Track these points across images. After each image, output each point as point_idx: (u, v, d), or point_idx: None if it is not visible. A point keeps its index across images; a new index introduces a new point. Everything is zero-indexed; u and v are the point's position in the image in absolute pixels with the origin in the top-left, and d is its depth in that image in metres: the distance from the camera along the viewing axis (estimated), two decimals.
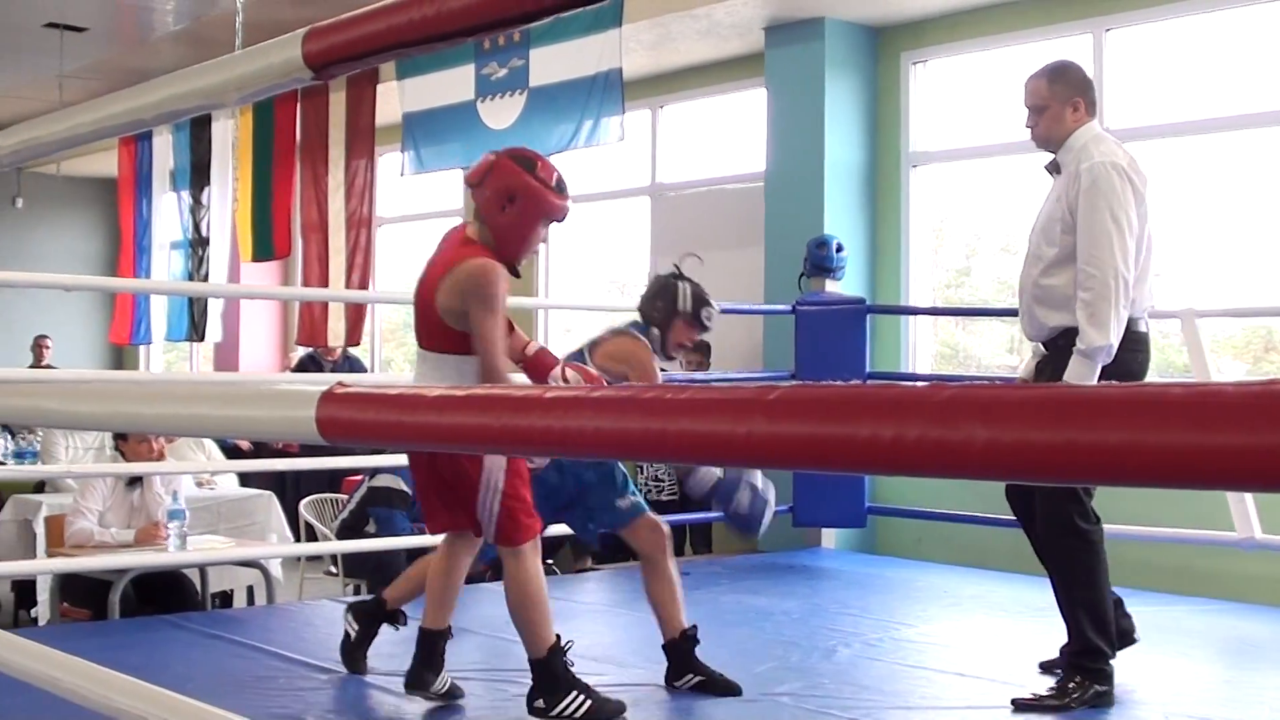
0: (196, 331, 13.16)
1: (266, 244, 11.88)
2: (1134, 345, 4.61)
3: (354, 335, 11.06)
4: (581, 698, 4.28)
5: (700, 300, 5.04)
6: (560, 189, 4.31)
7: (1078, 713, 4.49)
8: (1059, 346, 4.65)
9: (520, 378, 4.68)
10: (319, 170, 11.31)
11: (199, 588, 6.83)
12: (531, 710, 4.30)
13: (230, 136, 12.32)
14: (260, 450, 10.17)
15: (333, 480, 8.97)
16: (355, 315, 11.03)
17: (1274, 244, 7.79)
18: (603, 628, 6.08)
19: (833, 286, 8.60)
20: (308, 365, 11.36)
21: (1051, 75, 4.78)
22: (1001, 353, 9.21)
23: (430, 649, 4.44)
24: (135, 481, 6.56)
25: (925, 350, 9.17)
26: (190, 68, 2.35)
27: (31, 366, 13.38)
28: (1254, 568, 6.99)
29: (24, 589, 7.87)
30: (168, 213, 13.52)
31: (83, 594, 6.38)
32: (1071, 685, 4.55)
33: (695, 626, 4.77)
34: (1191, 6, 7.83)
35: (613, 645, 5.61)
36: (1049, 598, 4.85)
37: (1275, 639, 6.02)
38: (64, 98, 12.07)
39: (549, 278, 11.75)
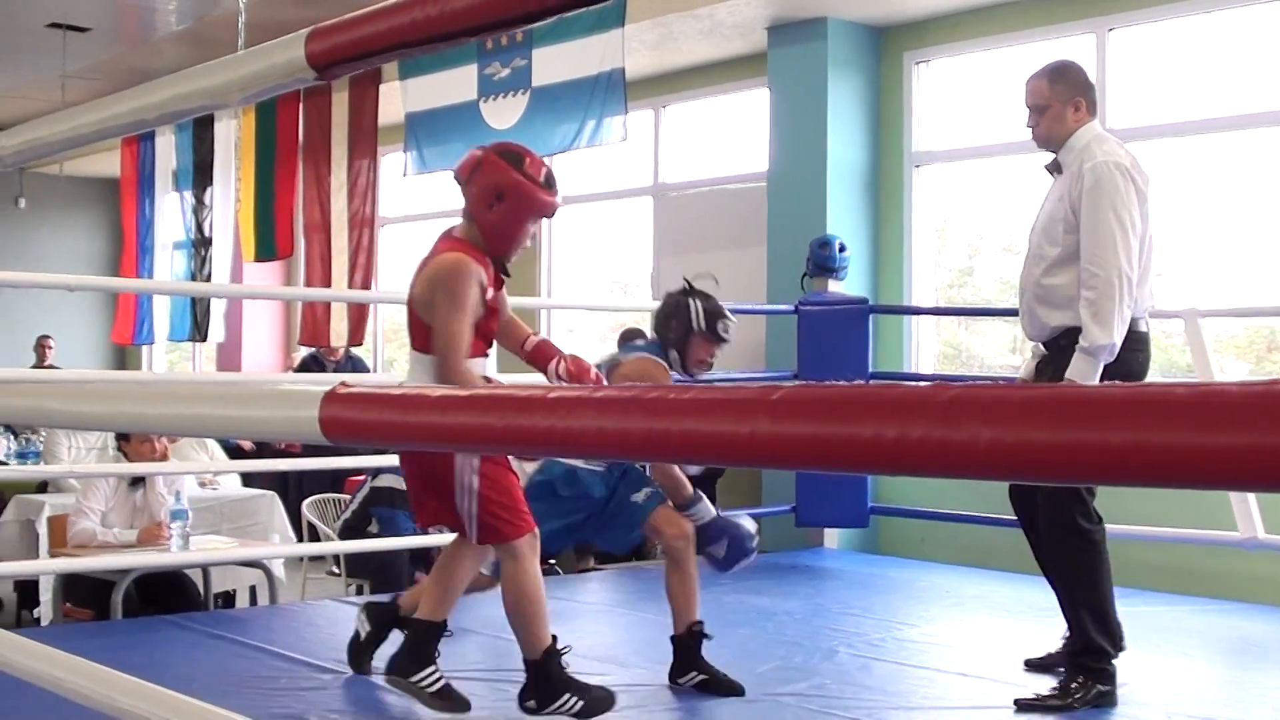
0: (199, 332, 13.16)
1: (269, 244, 11.88)
2: (1135, 345, 4.61)
3: (356, 335, 11.06)
4: (574, 699, 4.24)
5: (713, 314, 4.98)
6: (549, 185, 4.23)
7: (1080, 713, 4.49)
8: (1060, 346, 4.64)
9: (526, 378, 4.66)
10: (322, 170, 11.31)
11: (201, 588, 6.83)
12: (523, 708, 4.28)
13: (233, 136, 12.32)
14: (263, 450, 10.18)
15: (335, 480, 8.97)
16: (358, 315, 11.03)
17: (1277, 244, 7.78)
18: (605, 628, 6.08)
19: (835, 286, 8.59)
20: (310, 365, 11.36)
21: (1053, 75, 4.78)
22: (1004, 352, 9.20)
23: (420, 640, 4.36)
24: (138, 482, 6.56)
25: (928, 350, 9.16)
26: (193, 68, 2.35)
27: (34, 367, 13.40)
28: (1257, 568, 6.99)
29: (26, 589, 7.87)
30: (170, 213, 13.53)
31: (85, 594, 6.38)
32: (1074, 685, 4.55)
33: (702, 623, 4.76)
34: (1194, 6, 7.83)
35: (615, 645, 5.61)
36: (1052, 598, 4.85)
37: (1278, 639, 6.02)
38: (67, 98, 12.07)
39: (551, 278, 11.75)
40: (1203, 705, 4.68)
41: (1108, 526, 4.72)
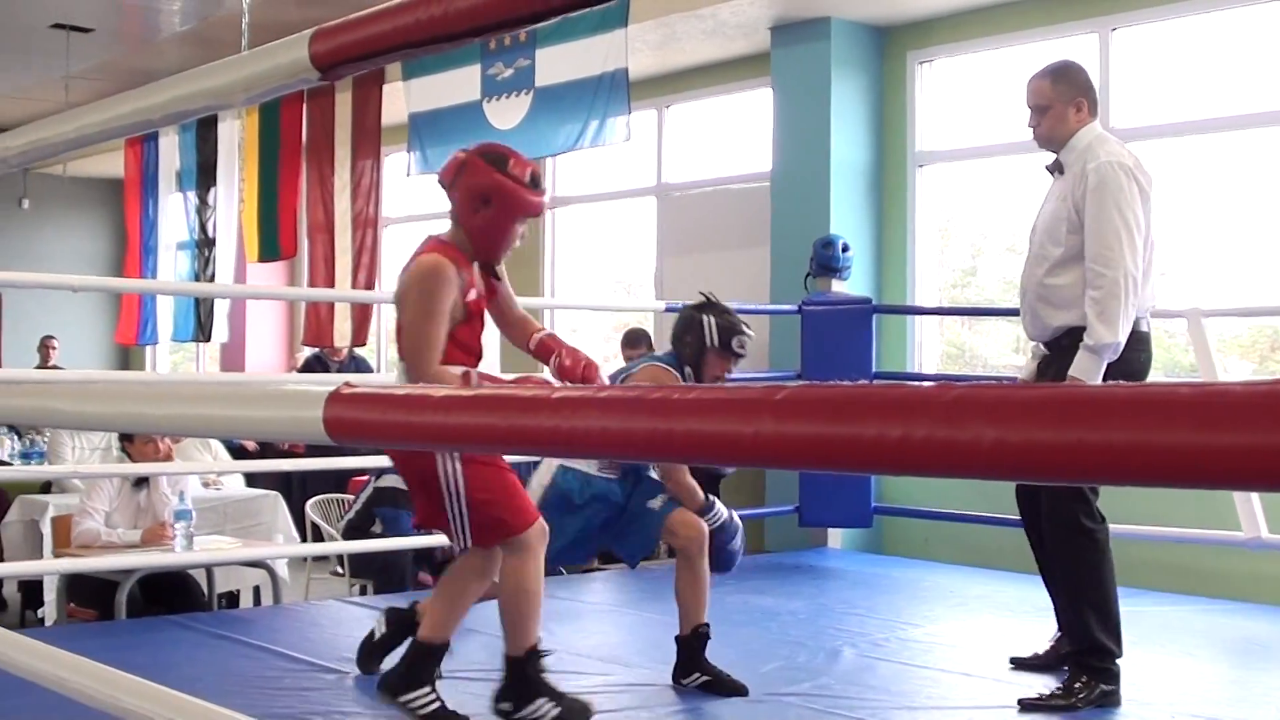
0: (203, 332, 13.16)
1: (273, 244, 11.88)
2: (1137, 345, 4.62)
3: (360, 335, 11.07)
4: (550, 705, 4.14)
5: (728, 330, 4.93)
6: (534, 185, 4.15)
7: (1084, 712, 4.49)
8: (1063, 346, 4.65)
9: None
10: (325, 171, 11.31)
11: (205, 588, 6.83)
12: (496, 710, 4.18)
13: (236, 137, 12.32)
14: (266, 451, 10.18)
15: (339, 480, 8.97)
16: (361, 315, 11.04)
17: None
18: (609, 628, 6.08)
19: (839, 286, 8.60)
20: (314, 365, 11.36)
21: (1055, 75, 4.78)
22: (1007, 352, 9.20)
23: (418, 660, 4.22)
24: (142, 482, 6.57)
25: (931, 350, 9.17)
26: (197, 68, 2.35)
27: (38, 367, 13.39)
28: (1261, 567, 6.99)
29: (31, 589, 7.89)
30: (174, 213, 13.53)
31: (89, 594, 6.38)
32: (1078, 685, 4.55)
33: (708, 625, 4.77)
34: (1197, 6, 7.83)
35: (619, 645, 5.62)
36: None
37: None
38: (70, 98, 12.08)
39: (555, 278, 11.76)
40: (1206, 705, 4.68)
41: (1111, 526, 4.72)
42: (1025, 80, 4.87)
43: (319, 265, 11.38)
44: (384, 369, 13.13)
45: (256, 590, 7.43)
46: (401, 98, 10.27)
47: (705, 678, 4.72)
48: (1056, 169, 4.79)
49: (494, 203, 4.10)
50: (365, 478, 7.83)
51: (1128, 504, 6.59)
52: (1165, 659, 5.37)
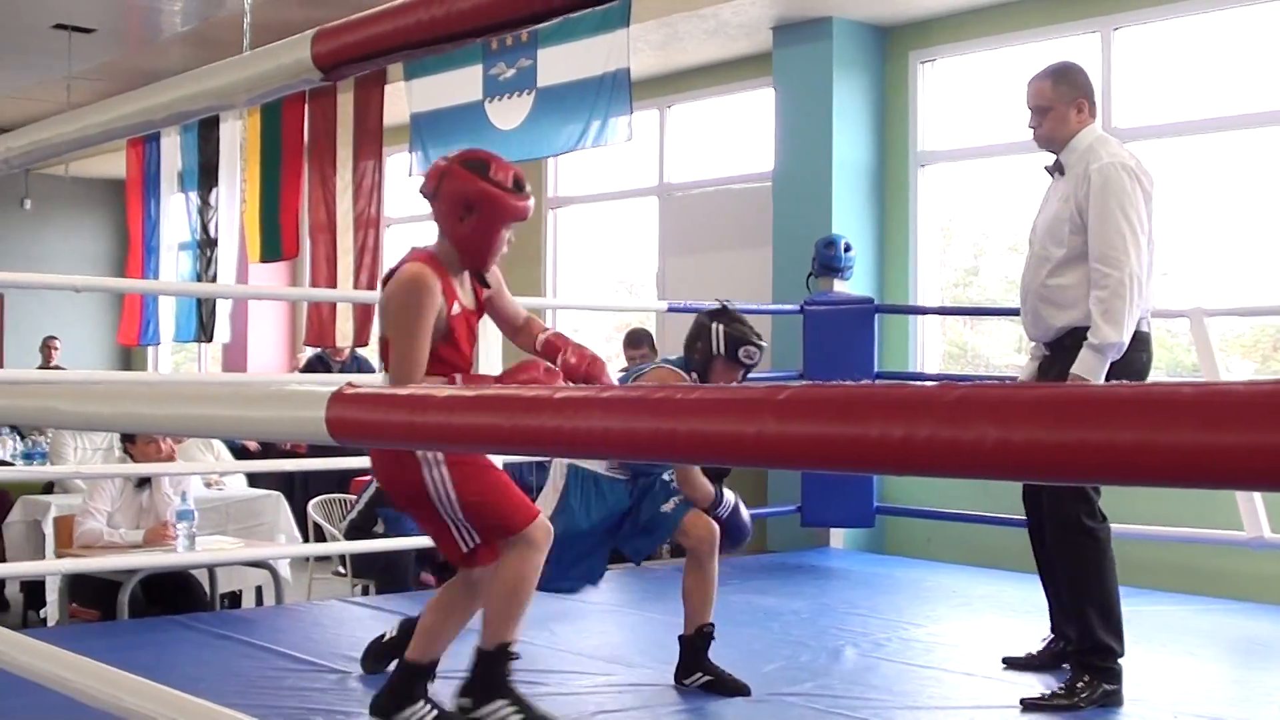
0: (205, 332, 13.16)
1: (274, 245, 11.88)
2: (1138, 345, 4.63)
3: (362, 336, 11.07)
4: (509, 709, 4.02)
5: (736, 340, 4.88)
6: (518, 188, 4.05)
7: (1086, 712, 4.49)
8: (1065, 346, 4.65)
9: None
10: (327, 171, 11.31)
11: (208, 588, 6.84)
12: (456, 704, 4.08)
13: (238, 138, 12.32)
14: (269, 451, 10.19)
15: (341, 481, 8.97)
16: (363, 316, 11.03)
17: None
18: (611, 628, 6.08)
19: (841, 286, 8.59)
20: (316, 366, 11.37)
21: (1056, 76, 4.79)
22: (1010, 352, 9.20)
23: (405, 680, 4.14)
24: (144, 482, 6.57)
25: (933, 350, 9.17)
26: (200, 69, 2.36)
27: (40, 367, 13.41)
28: (1263, 567, 6.98)
29: (33, 589, 7.89)
30: (176, 214, 13.53)
31: (92, 594, 6.39)
32: (1080, 684, 4.55)
33: (713, 625, 4.77)
34: (1199, 5, 7.83)
35: (621, 645, 5.62)
36: None
37: None
38: (72, 99, 12.09)
39: (557, 278, 11.76)
40: (1209, 705, 4.68)
41: (1113, 526, 4.73)
42: (1027, 80, 4.87)
43: (321, 265, 11.39)
44: None
45: (259, 590, 7.43)
46: (403, 98, 10.27)
47: (707, 677, 4.72)
48: (1057, 170, 4.80)
49: (478, 210, 4.00)
50: (367, 478, 7.82)
51: (1130, 503, 6.59)
52: (1167, 659, 5.36)
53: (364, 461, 7.26)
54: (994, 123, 8.75)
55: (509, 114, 9.46)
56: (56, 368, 13.33)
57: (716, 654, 4.77)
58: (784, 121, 9.27)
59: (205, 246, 12.95)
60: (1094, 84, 4.89)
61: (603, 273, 11.98)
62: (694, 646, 4.75)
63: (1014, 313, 6.67)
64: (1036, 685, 4.74)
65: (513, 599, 4.03)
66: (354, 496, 7.98)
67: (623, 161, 10.94)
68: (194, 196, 13.06)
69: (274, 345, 14.89)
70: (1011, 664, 5.07)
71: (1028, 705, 4.54)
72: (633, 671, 4.99)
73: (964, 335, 9.54)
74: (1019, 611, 6.30)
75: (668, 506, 4.79)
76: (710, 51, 9.98)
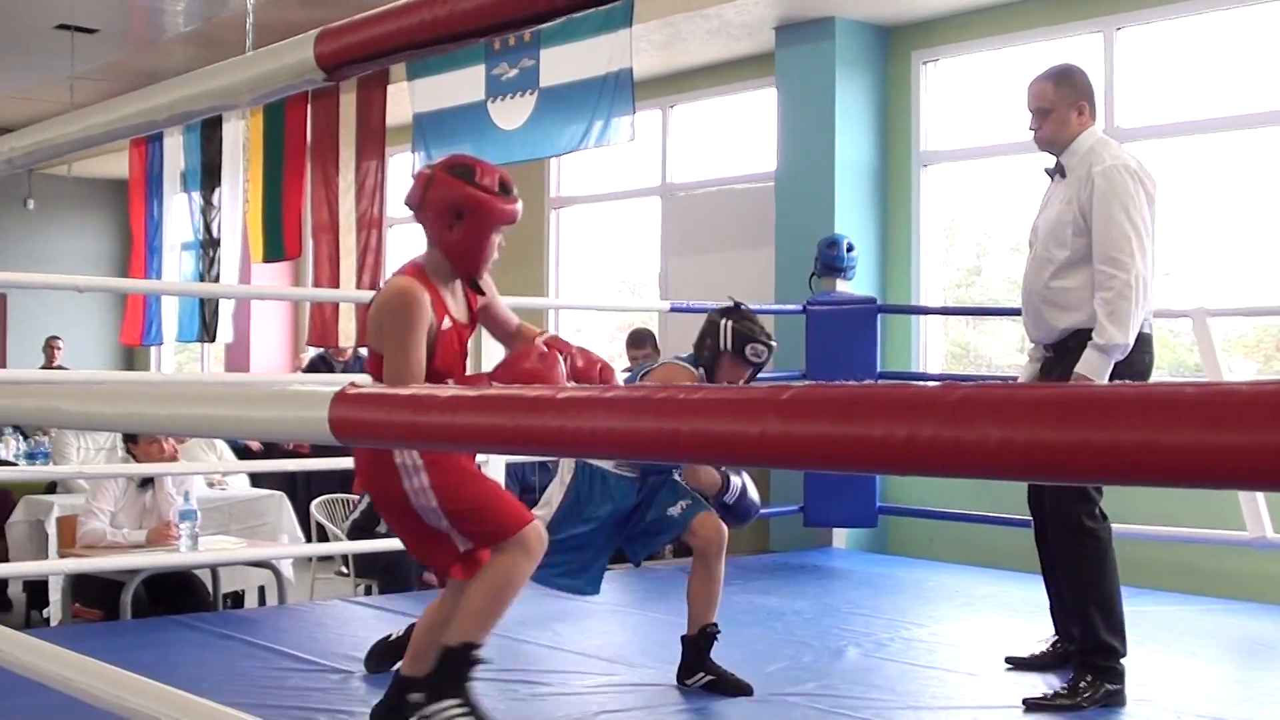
0: (208, 332, 13.17)
1: (277, 245, 11.88)
2: (1140, 346, 4.63)
3: (364, 336, 11.06)
4: (459, 711, 3.88)
5: (744, 337, 4.87)
6: (506, 191, 3.97)
7: (1089, 711, 4.49)
8: (1069, 348, 4.65)
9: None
10: (330, 171, 11.31)
11: (210, 588, 6.84)
12: (411, 699, 3.97)
13: (241, 138, 12.33)
14: (271, 451, 10.19)
15: (344, 481, 8.96)
16: (366, 316, 11.02)
17: None
18: (614, 628, 6.08)
19: (843, 286, 8.60)
20: (318, 366, 11.37)
21: (1057, 78, 4.79)
22: (1012, 352, 9.20)
23: (401, 694, 4.08)
24: (147, 482, 6.57)
25: (936, 350, 9.17)
26: (203, 69, 2.36)
27: (43, 368, 13.42)
28: (1265, 567, 6.98)
29: (36, 589, 7.90)
30: (179, 214, 13.53)
31: (94, 594, 6.39)
32: (1083, 684, 4.55)
33: (716, 625, 4.76)
34: (1202, 5, 7.83)
35: (624, 645, 5.62)
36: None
37: None
38: (75, 99, 12.09)
39: (559, 278, 11.77)
40: (1211, 705, 4.68)
41: (1116, 526, 4.73)
42: (1028, 82, 4.88)
43: (323, 266, 11.39)
44: None
45: (261, 590, 7.44)
46: (406, 98, 10.28)
47: (710, 677, 4.72)
48: (1058, 172, 4.81)
49: (467, 216, 3.93)
50: None
51: (1132, 503, 6.59)
52: (1170, 658, 5.36)
53: None
54: (996, 123, 8.75)
55: (512, 114, 9.46)
56: (59, 368, 13.34)
57: (719, 654, 4.77)
58: (786, 121, 9.27)
59: (208, 246, 12.95)
60: (1097, 84, 4.91)
61: (605, 273, 11.98)
62: (697, 646, 4.75)
63: (1016, 313, 6.67)
64: (1039, 685, 4.74)
65: (494, 601, 3.94)
66: (356, 496, 7.98)
67: (625, 161, 10.94)
68: (197, 196, 13.06)
69: (277, 345, 14.90)
70: (1015, 664, 5.07)
71: (1030, 705, 4.54)
72: (635, 671, 4.99)
73: (966, 335, 9.54)
74: (1021, 611, 6.30)
75: (675, 510, 4.79)
76: (713, 51, 9.98)
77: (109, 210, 16.81)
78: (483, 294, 4.13)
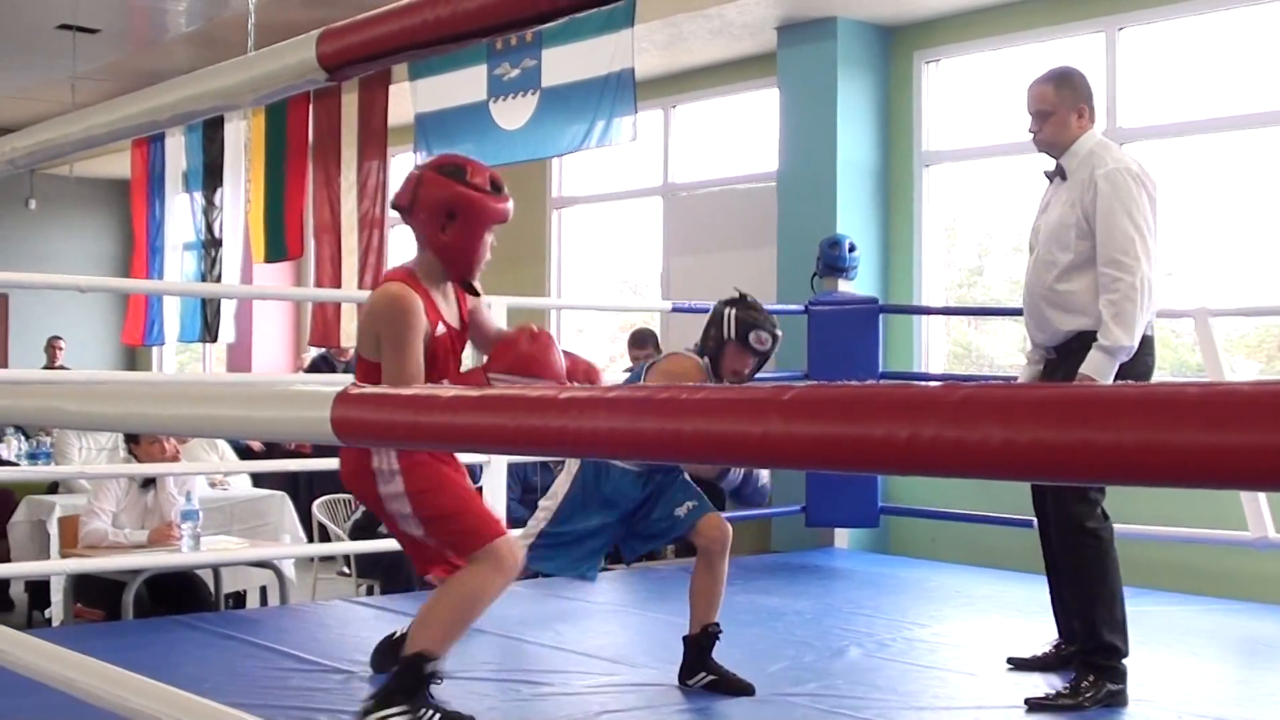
0: (209, 332, 13.18)
1: (279, 245, 11.90)
2: (1143, 348, 4.64)
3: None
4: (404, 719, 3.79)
5: (747, 324, 4.87)
6: (497, 190, 3.93)
7: (1091, 711, 4.49)
8: (1073, 351, 4.66)
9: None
10: (331, 171, 11.32)
11: (212, 588, 6.84)
12: (362, 704, 3.91)
13: (243, 138, 12.34)
14: (273, 451, 10.19)
15: None
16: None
17: None
18: (616, 628, 6.08)
19: (845, 286, 8.59)
20: (320, 366, 11.37)
21: (1057, 81, 4.80)
22: (1014, 352, 9.20)
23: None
24: (149, 482, 6.57)
25: (938, 350, 9.17)
26: (205, 69, 2.36)
27: (45, 368, 13.42)
28: (1267, 567, 6.98)
29: (38, 589, 7.90)
30: (180, 214, 13.55)
31: (96, 594, 6.39)
32: (1085, 684, 4.55)
33: (718, 624, 4.76)
34: (1204, 5, 7.82)
35: (625, 645, 5.62)
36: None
37: None
38: (76, 99, 12.10)
39: (561, 278, 11.77)
40: (1213, 705, 4.68)
41: (1118, 526, 4.73)
42: (1028, 83, 4.88)
43: (325, 266, 11.40)
44: None
45: (263, 590, 7.44)
46: (408, 98, 10.28)
47: (711, 677, 4.71)
48: (1058, 174, 4.81)
49: (459, 215, 3.87)
50: None
51: (1134, 504, 6.59)
52: (1171, 659, 5.36)
53: None
54: (998, 123, 8.74)
55: (514, 114, 9.46)
56: (61, 368, 13.34)
57: (720, 654, 4.77)
58: (788, 121, 9.27)
59: (210, 247, 12.96)
60: (1099, 84, 4.92)
61: (607, 273, 11.98)
62: (699, 646, 4.74)
63: (1018, 313, 6.67)
64: (1041, 685, 4.74)
65: (459, 615, 3.87)
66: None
67: (627, 161, 10.94)
68: (198, 197, 13.07)
69: (278, 345, 14.90)
70: (1016, 665, 5.07)
71: (1032, 705, 4.54)
72: (637, 671, 4.98)
73: (968, 335, 9.54)
74: (1023, 611, 6.30)
75: (681, 510, 4.79)
76: (715, 51, 9.98)
77: (111, 210, 16.81)
78: (477, 294, 4.10)
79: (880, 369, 8.32)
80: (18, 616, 8.21)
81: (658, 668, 4.96)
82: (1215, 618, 6.35)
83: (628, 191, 11.34)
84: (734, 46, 9.81)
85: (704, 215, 10.54)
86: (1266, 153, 7.77)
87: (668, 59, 10.11)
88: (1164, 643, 5.61)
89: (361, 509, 7.54)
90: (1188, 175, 7.95)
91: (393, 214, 11.42)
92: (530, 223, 11.43)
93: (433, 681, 3.81)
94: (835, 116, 8.92)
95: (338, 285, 11.11)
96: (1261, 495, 6.45)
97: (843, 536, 8.60)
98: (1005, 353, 9.34)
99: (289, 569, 7.06)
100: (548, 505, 4.82)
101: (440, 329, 3.92)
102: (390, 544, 6.96)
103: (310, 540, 7.86)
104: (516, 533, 4.68)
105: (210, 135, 12.75)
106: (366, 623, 5.77)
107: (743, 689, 4.67)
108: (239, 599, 7.47)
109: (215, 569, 6.79)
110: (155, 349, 15.55)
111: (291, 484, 9.28)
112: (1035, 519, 5.05)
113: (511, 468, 7.36)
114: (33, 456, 9.42)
